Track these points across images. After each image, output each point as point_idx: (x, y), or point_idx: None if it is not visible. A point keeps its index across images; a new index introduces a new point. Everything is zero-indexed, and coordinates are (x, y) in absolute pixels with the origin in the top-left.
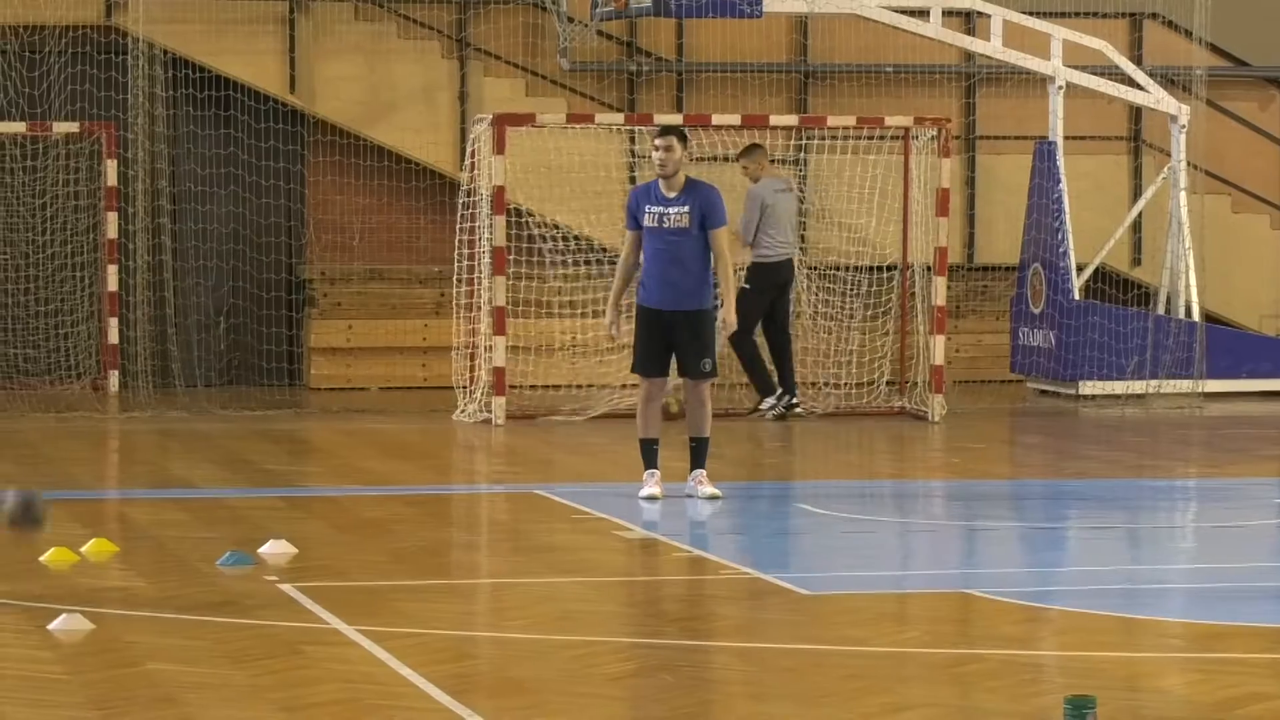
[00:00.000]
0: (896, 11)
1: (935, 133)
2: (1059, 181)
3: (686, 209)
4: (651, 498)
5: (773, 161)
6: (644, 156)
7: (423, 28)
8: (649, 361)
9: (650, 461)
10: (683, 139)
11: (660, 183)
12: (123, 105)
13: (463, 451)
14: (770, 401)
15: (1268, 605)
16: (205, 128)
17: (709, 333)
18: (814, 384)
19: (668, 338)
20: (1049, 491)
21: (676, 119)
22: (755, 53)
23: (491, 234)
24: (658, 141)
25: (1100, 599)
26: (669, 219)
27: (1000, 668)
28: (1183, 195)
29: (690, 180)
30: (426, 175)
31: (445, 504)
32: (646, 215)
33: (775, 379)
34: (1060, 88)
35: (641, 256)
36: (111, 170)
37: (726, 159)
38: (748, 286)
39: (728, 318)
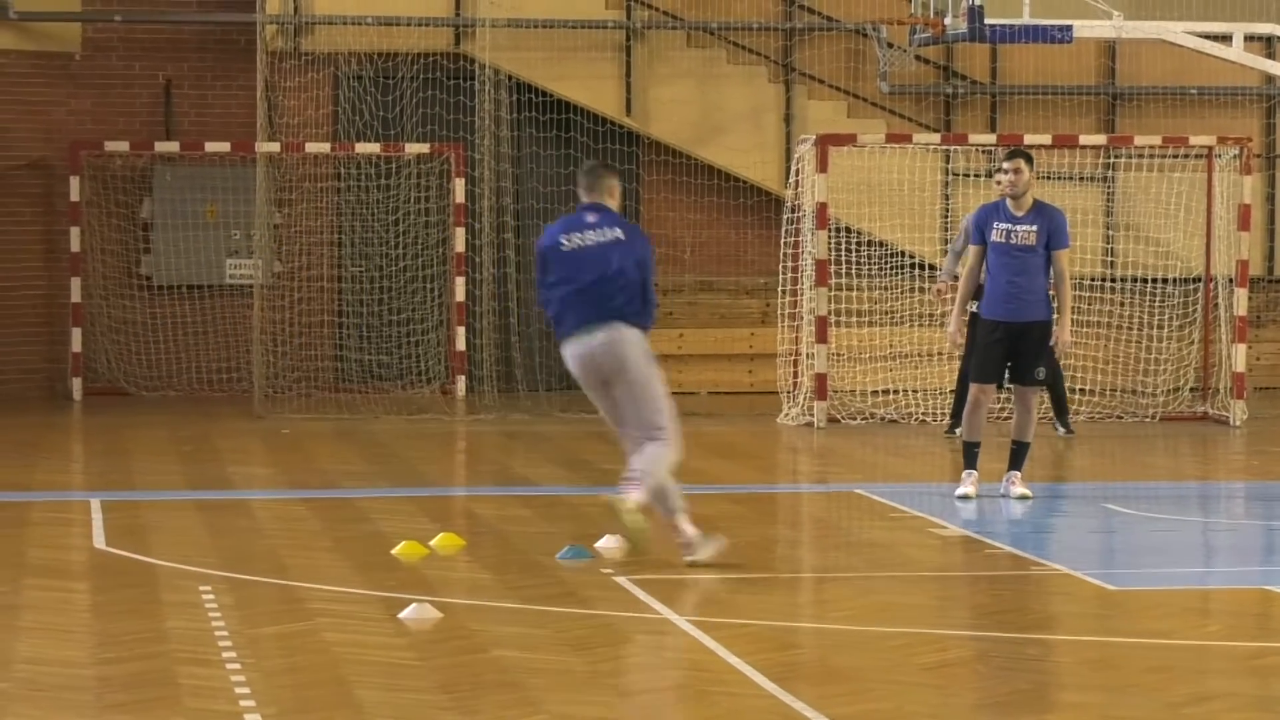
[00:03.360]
0: (1200, 37)
1: (1237, 151)
2: None
3: (1034, 228)
4: (965, 497)
5: (1044, 178)
6: (959, 174)
7: (750, 54)
8: (989, 369)
9: (970, 462)
10: (1029, 161)
11: (1009, 202)
12: (470, 127)
13: (786, 452)
14: (1062, 429)
15: None
16: (546, 148)
17: (1046, 344)
18: (1130, 390)
19: (1010, 347)
20: None
21: (990, 139)
22: (1065, 75)
23: (814, 247)
24: (1006, 165)
25: None
26: (1017, 236)
27: None
28: None
29: (1038, 202)
30: (753, 192)
31: (770, 502)
32: (995, 231)
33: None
34: None
35: (984, 271)
36: (459, 188)
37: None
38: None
39: (1063, 336)
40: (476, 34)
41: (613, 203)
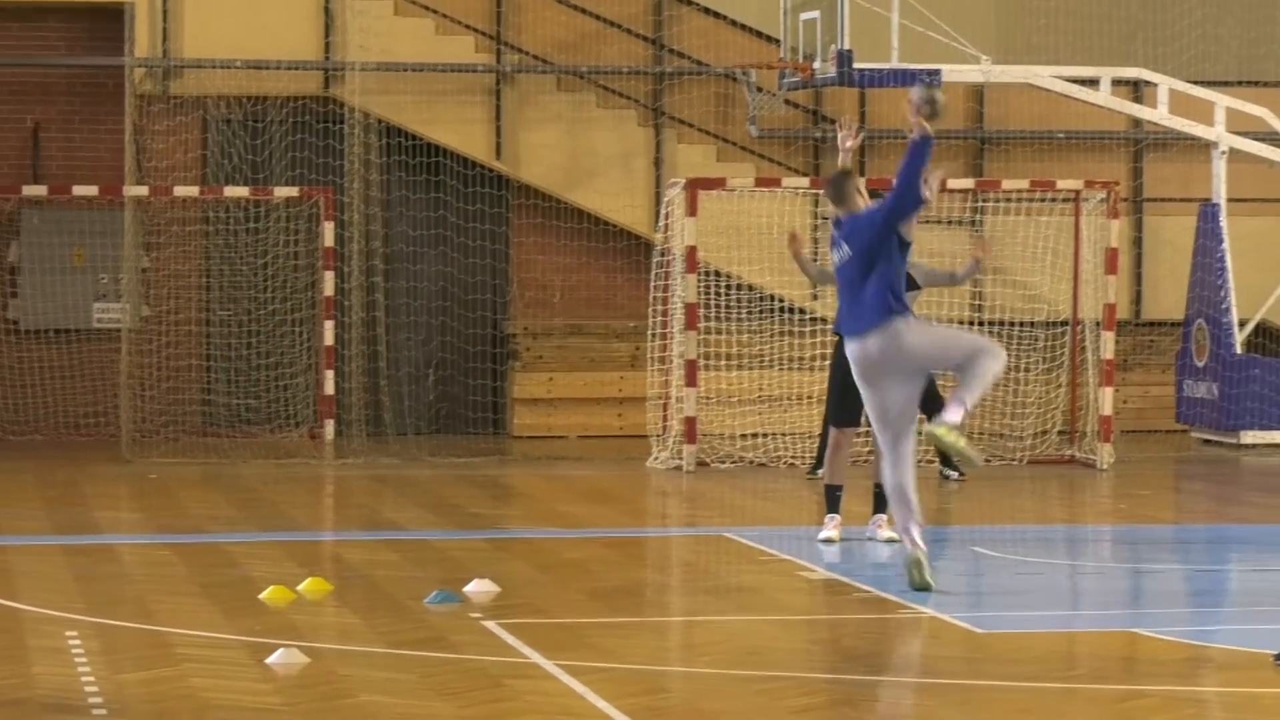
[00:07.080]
0: (1068, 81)
1: (1104, 195)
2: (1222, 241)
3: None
4: (829, 540)
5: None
6: (827, 218)
7: (620, 98)
8: (848, 413)
9: (833, 506)
10: None
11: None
12: (339, 171)
13: (656, 496)
14: (955, 475)
15: None
16: (416, 192)
17: None
18: (998, 434)
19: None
20: (1212, 536)
21: (859, 183)
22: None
23: (684, 291)
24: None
25: (1260, 638)
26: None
27: (1164, 703)
28: None
29: None
30: (623, 236)
31: (639, 546)
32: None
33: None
34: (1223, 153)
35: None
36: (329, 232)
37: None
38: None
39: None
40: (346, 78)
41: (860, 200)
